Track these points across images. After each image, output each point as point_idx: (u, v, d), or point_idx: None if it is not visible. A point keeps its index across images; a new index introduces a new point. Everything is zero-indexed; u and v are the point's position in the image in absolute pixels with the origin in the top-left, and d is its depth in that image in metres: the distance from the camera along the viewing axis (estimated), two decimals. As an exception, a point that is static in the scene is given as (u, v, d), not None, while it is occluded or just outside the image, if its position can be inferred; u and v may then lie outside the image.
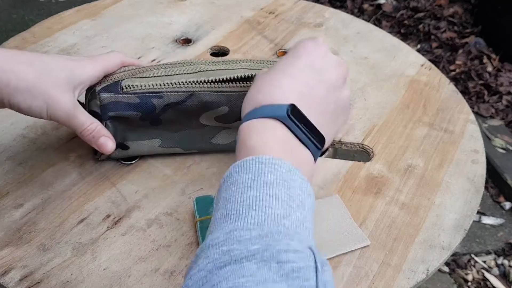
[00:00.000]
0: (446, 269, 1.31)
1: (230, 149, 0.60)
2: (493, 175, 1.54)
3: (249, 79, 0.55)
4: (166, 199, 0.56)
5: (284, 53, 0.81)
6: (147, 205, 0.55)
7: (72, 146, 0.62)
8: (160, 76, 0.54)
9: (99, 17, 0.87)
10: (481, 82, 1.86)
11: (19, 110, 0.49)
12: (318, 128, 0.44)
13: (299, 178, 0.39)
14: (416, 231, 0.55)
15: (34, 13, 2.10)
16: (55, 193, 0.56)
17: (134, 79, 0.54)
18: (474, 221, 0.57)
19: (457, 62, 1.96)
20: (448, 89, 0.76)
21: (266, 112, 0.43)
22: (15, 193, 0.56)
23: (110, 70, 0.54)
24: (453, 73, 1.91)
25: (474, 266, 1.32)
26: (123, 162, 0.60)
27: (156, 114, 0.55)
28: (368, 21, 2.00)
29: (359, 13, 2.25)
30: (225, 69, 0.55)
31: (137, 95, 0.54)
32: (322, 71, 0.47)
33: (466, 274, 1.30)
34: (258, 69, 0.55)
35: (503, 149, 1.61)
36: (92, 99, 0.55)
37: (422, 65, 0.80)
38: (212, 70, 0.55)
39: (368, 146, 0.65)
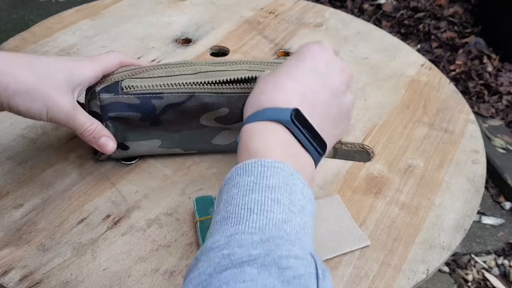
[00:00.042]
0: (446, 269, 1.31)
1: (230, 150, 0.60)
2: (493, 175, 1.54)
3: (250, 80, 0.54)
4: (166, 199, 0.56)
5: (284, 53, 0.81)
6: (147, 205, 0.55)
7: (72, 146, 0.62)
8: (160, 76, 0.54)
9: (99, 17, 0.87)
10: (481, 82, 1.86)
11: (18, 112, 0.49)
12: (320, 133, 0.44)
13: (301, 183, 0.39)
14: (416, 231, 0.55)
15: (34, 13, 2.10)
16: (55, 193, 0.56)
17: (134, 79, 0.54)
18: (474, 221, 0.57)
19: (457, 62, 1.96)
20: (448, 89, 0.76)
21: (268, 115, 0.43)
22: (15, 193, 0.56)
23: (109, 70, 0.54)
24: (453, 73, 1.91)
25: (474, 266, 1.32)
26: (123, 162, 0.60)
27: (156, 115, 0.55)
28: (368, 21, 2.00)
29: (359, 13, 2.25)
30: (225, 70, 0.55)
31: (137, 96, 0.54)
32: (326, 76, 0.46)
33: (466, 274, 1.30)
34: (258, 70, 0.55)
35: (503, 149, 1.61)
36: (92, 99, 0.55)
37: (422, 65, 0.80)
38: (212, 71, 0.55)
39: (368, 146, 0.65)
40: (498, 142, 1.63)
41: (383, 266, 0.51)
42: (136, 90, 0.54)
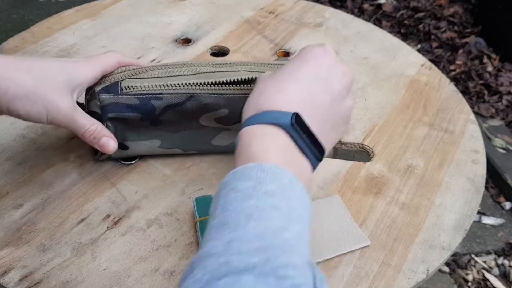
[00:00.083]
0: (446, 269, 1.31)
1: (230, 151, 0.60)
2: (493, 175, 1.54)
3: (250, 82, 0.54)
4: (166, 199, 0.56)
5: (284, 53, 0.81)
6: (147, 205, 0.55)
7: (72, 146, 0.62)
8: (159, 77, 0.54)
9: (99, 17, 0.87)
10: (481, 82, 1.86)
11: (18, 116, 0.49)
12: (319, 137, 0.43)
13: (299, 189, 0.39)
14: (416, 231, 0.55)
15: (34, 13, 2.10)
16: (55, 193, 0.56)
17: (133, 79, 0.54)
18: (474, 221, 0.57)
19: (457, 62, 1.96)
20: (448, 89, 0.76)
21: (268, 118, 0.42)
22: (15, 193, 0.56)
23: (107, 71, 0.54)
24: (453, 73, 1.91)
25: (474, 266, 1.32)
26: (123, 162, 0.60)
27: (156, 115, 0.55)
28: (368, 21, 2.00)
29: (359, 13, 2.25)
30: (225, 71, 0.55)
31: (136, 96, 0.54)
32: (328, 80, 0.46)
33: (466, 274, 1.30)
34: (259, 71, 0.55)
35: (503, 149, 1.61)
36: (91, 99, 0.55)
37: (422, 65, 0.80)
38: (212, 72, 0.55)
39: (368, 146, 0.65)
40: (498, 142, 1.63)
41: (383, 266, 0.51)
42: (135, 91, 0.54)
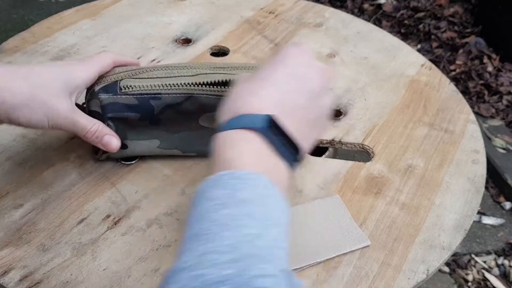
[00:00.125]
0: (446, 269, 1.31)
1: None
2: (493, 175, 1.54)
3: None
4: (166, 199, 0.56)
5: (284, 53, 0.81)
6: (147, 205, 0.55)
7: (71, 146, 0.62)
8: (159, 77, 0.54)
9: (99, 17, 0.87)
10: (481, 82, 1.85)
11: (19, 124, 0.50)
12: (297, 138, 0.43)
13: (276, 194, 0.38)
14: (416, 231, 0.55)
15: (34, 13, 2.10)
16: (55, 193, 0.56)
17: (132, 79, 0.54)
18: (474, 221, 0.57)
19: (458, 62, 1.95)
20: (449, 89, 0.76)
21: (244, 122, 0.41)
22: (15, 193, 0.56)
23: (104, 71, 0.54)
24: (453, 73, 1.91)
25: (474, 266, 1.32)
26: (123, 162, 0.60)
27: (155, 115, 0.55)
28: (368, 21, 2.00)
29: (359, 13, 2.25)
30: (225, 74, 0.55)
31: (135, 96, 0.54)
32: (305, 79, 0.45)
33: (467, 274, 1.30)
34: None
35: (504, 149, 1.61)
36: (91, 98, 0.55)
37: (422, 65, 0.80)
38: (212, 73, 0.55)
39: (368, 146, 0.65)
40: (498, 142, 1.63)
41: (383, 266, 0.51)
42: (134, 90, 0.54)
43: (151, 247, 0.51)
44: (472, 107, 1.70)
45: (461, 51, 2.00)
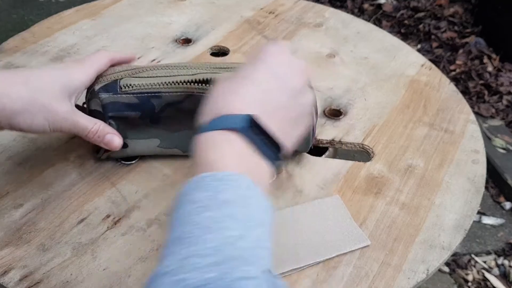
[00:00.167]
0: (446, 269, 1.31)
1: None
2: (493, 175, 1.54)
3: None
4: (166, 199, 0.56)
5: (284, 53, 0.81)
6: (147, 205, 0.55)
7: (71, 146, 0.62)
8: (158, 76, 0.55)
9: (99, 17, 0.87)
10: (481, 82, 1.86)
11: (20, 130, 0.50)
12: (279, 137, 0.42)
13: (258, 194, 0.38)
14: (416, 231, 0.55)
15: (34, 13, 2.10)
16: (55, 193, 0.56)
17: (132, 78, 0.54)
18: (474, 221, 0.57)
19: (458, 62, 1.95)
20: (449, 89, 0.76)
21: (225, 123, 0.41)
22: (15, 193, 0.56)
23: (101, 70, 0.55)
24: (453, 73, 1.91)
25: (474, 266, 1.32)
26: (123, 162, 0.60)
27: (156, 113, 0.56)
28: (368, 21, 2.00)
29: (359, 13, 2.25)
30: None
31: (135, 95, 0.54)
32: (285, 77, 0.45)
33: (467, 274, 1.30)
34: None
35: (504, 149, 1.61)
36: (92, 98, 0.55)
37: (422, 65, 0.80)
38: (211, 73, 0.55)
39: (368, 146, 0.65)
40: (498, 142, 1.63)
41: (383, 266, 0.51)
42: (134, 89, 0.54)
43: (151, 247, 0.51)
44: (472, 107, 1.70)
45: (461, 51, 2.00)
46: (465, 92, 1.81)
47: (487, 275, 1.30)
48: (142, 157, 0.61)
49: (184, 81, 0.54)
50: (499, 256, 1.35)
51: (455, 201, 0.58)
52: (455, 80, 1.87)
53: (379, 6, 2.28)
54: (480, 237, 1.39)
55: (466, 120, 0.70)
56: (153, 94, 0.54)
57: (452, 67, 1.93)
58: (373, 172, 0.61)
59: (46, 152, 0.61)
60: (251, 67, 0.46)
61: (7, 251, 0.50)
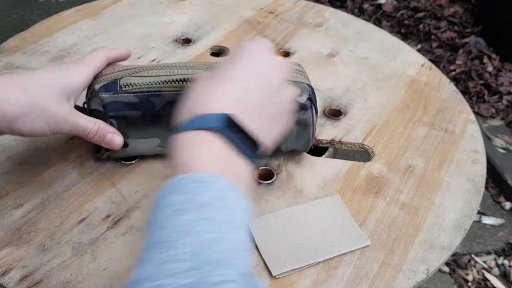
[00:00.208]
0: (446, 269, 1.31)
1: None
2: (493, 175, 1.54)
3: None
4: (166, 199, 0.56)
5: (284, 53, 0.81)
6: (147, 205, 0.55)
7: (71, 146, 0.62)
8: (158, 76, 0.55)
9: (99, 17, 0.87)
10: (481, 82, 1.86)
11: (21, 134, 0.50)
12: (258, 135, 0.42)
13: (237, 195, 0.38)
14: (416, 231, 0.55)
15: (34, 13, 2.10)
16: (55, 193, 0.56)
17: (132, 77, 0.54)
18: (474, 221, 0.57)
19: (458, 62, 1.96)
20: (449, 89, 0.76)
21: (202, 123, 0.40)
22: (15, 193, 0.56)
23: (98, 70, 0.55)
24: (453, 73, 1.91)
25: (474, 266, 1.32)
26: (123, 162, 0.60)
27: (157, 112, 0.56)
28: (368, 21, 2.00)
29: (359, 13, 2.25)
30: None
31: (136, 94, 0.54)
32: (263, 75, 0.45)
33: (467, 274, 1.30)
34: None
35: (504, 149, 1.61)
36: (92, 98, 0.55)
37: (422, 65, 0.80)
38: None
39: (368, 146, 0.65)
40: (498, 142, 1.63)
41: (383, 266, 0.51)
42: (134, 88, 0.54)
43: (151, 247, 0.51)
44: (472, 107, 1.70)
45: (461, 51, 2.00)
46: (465, 92, 1.81)
47: (487, 275, 1.30)
48: (142, 157, 0.61)
49: (185, 80, 0.54)
50: (499, 256, 1.35)
51: (455, 201, 0.58)
52: (455, 80, 1.87)
53: (379, 6, 2.28)
54: (480, 237, 1.39)
55: (466, 120, 0.70)
56: (153, 93, 0.54)
57: (452, 67, 1.93)
58: (373, 172, 0.61)
59: (46, 152, 0.61)
60: (229, 65, 0.45)
61: (7, 251, 0.50)
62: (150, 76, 0.54)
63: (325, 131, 0.66)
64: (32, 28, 0.83)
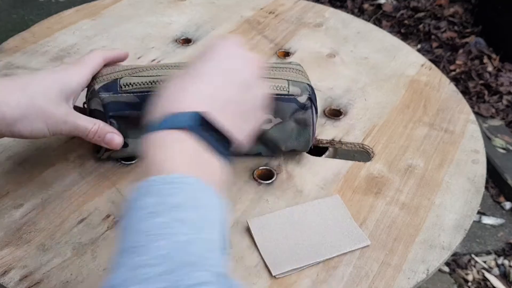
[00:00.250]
0: (446, 269, 1.31)
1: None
2: (493, 175, 1.54)
3: None
4: (166, 199, 0.56)
5: (284, 53, 0.81)
6: (147, 205, 0.55)
7: (71, 146, 0.62)
8: (158, 75, 0.55)
9: (99, 17, 0.87)
10: (481, 82, 1.86)
11: (21, 136, 0.50)
12: (232, 131, 0.42)
13: (210, 194, 0.37)
14: (416, 231, 0.55)
15: (34, 13, 2.10)
16: (55, 193, 0.56)
17: (132, 77, 0.54)
18: (474, 221, 0.57)
19: (458, 62, 1.96)
20: (449, 89, 0.76)
21: (174, 122, 0.40)
22: (15, 193, 0.56)
23: (96, 71, 0.55)
24: (453, 73, 1.91)
25: (474, 266, 1.32)
26: (123, 162, 0.60)
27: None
28: (368, 21, 2.00)
29: (359, 13, 2.25)
30: None
31: (135, 94, 0.54)
32: (234, 71, 0.45)
33: (467, 274, 1.30)
34: None
35: (504, 149, 1.61)
36: (92, 97, 0.55)
37: (422, 65, 0.80)
38: None
39: (368, 146, 0.65)
40: (498, 142, 1.63)
41: (383, 266, 0.51)
42: (134, 88, 0.54)
43: (151, 247, 0.51)
44: (472, 107, 1.70)
45: (461, 51, 2.00)
46: (465, 92, 1.81)
47: (487, 275, 1.30)
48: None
49: None
50: (499, 256, 1.35)
51: (455, 201, 0.58)
52: (455, 80, 1.87)
53: (379, 6, 2.28)
54: (480, 237, 1.39)
55: (466, 120, 0.70)
56: (153, 92, 0.54)
57: (452, 67, 1.93)
58: (373, 172, 0.61)
59: (46, 152, 0.61)
60: (200, 63, 0.45)
61: (7, 251, 0.50)
62: (150, 76, 0.54)
63: (325, 131, 0.66)
64: (32, 28, 0.83)
